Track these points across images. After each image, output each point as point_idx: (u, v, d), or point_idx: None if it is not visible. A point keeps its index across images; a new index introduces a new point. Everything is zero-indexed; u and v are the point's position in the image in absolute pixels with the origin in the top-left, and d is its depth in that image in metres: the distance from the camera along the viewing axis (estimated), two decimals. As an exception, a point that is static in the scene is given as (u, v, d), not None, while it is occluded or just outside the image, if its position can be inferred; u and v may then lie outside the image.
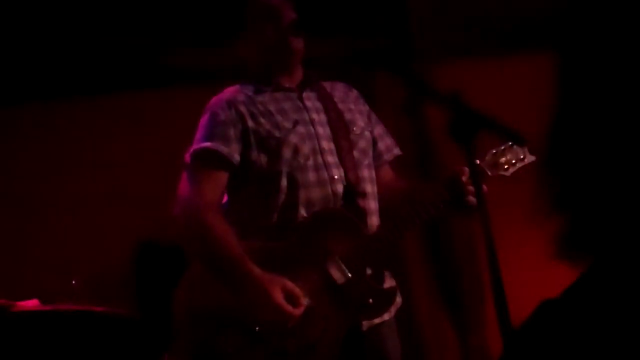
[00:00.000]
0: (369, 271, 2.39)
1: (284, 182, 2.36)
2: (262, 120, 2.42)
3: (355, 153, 2.49)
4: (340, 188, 2.41)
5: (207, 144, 2.38)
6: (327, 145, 2.45)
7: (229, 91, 2.51)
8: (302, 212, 2.35)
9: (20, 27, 4.03)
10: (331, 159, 2.44)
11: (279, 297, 2.21)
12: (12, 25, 4.01)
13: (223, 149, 2.37)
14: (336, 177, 2.41)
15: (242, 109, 2.43)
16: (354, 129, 2.53)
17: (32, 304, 2.93)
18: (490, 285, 1.77)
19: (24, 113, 4.15)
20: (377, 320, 2.43)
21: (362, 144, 2.53)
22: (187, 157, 2.41)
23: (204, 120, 2.44)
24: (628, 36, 0.83)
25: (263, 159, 2.38)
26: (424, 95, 4.14)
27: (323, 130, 2.47)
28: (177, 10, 3.97)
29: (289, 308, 2.21)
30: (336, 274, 2.33)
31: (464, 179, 2.36)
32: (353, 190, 2.42)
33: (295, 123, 2.44)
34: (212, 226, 2.30)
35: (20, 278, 3.76)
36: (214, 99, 2.49)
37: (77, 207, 4.07)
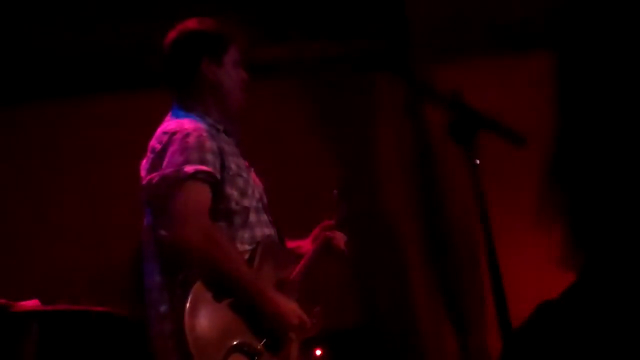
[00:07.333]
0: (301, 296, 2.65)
1: (252, 217, 2.52)
2: (230, 158, 2.50)
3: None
4: (275, 230, 2.65)
5: (205, 167, 2.39)
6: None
7: (198, 122, 2.52)
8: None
9: (22, 25, 4.03)
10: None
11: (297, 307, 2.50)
12: (13, 24, 4.01)
13: (217, 175, 2.43)
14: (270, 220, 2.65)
15: (219, 144, 2.49)
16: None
17: (32, 304, 2.93)
18: (490, 286, 1.78)
19: (24, 113, 4.15)
20: (307, 336, 2.67)
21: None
22: (182, 174, 2.36)
23: (191, 140, 2.41)
24: (627, 36, 0.83)
25: (235, 194, 2.48)
26: (424, 96, 4.15)
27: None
28: (177, 8, 3.97)
29: (304, 315, 2.51)
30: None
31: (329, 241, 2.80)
32: (279, 233, 2.68)
33: (248, 169, 2.60)
34: (226, 245, 2.40)
35: (20, 278, 3.77)
36: (188, 123, 2.49)
37: (78, 207, 4.07)
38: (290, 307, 2.46)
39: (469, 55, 4.21)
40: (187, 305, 2.27)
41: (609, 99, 0.83)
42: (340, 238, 2.83)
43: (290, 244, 2.80)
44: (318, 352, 3.58)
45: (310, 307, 2.65)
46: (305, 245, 2.82)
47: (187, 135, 2.42)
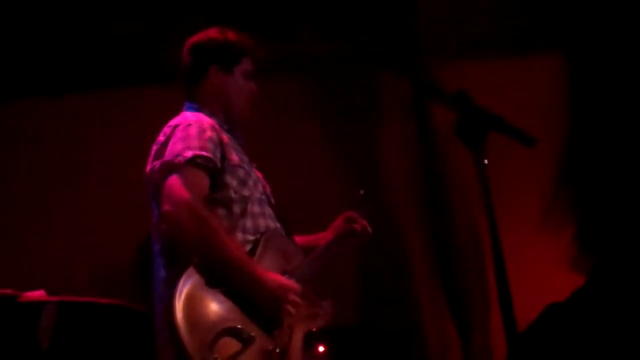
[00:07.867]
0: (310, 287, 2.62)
1: (253, 207, 2.55)
2: (231, 151, 2.57)
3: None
4: (280, 224, 2.67)
5: (204, 153, 2.45)
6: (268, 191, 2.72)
7: (202, 115, 2.61)
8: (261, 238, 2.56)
9: (23, 23, 4.04)
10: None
11: (286, 280, 2.48)
12: (15, 22, 4.02)
13: (217, 163, 2.48)
14: (275, 215, 2.68)
15: (221, 136, 2.56)
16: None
17: (38, 294, 2.95)
18: (495, 286, 1.78)
19: (30, 108, 4.17)
20: (314, 328, 2.65)
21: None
22: (181, 158, 2.42)
23: (192, 130, 2.49)
24: (635, 37, 0.83)
25: (234, 183, 2.52)
26: (431, 95, 4.15)
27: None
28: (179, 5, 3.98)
29: (295, 284, 2.48)
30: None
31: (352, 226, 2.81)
32: (287, 229, 2.70)
33: (251, 165, 2.65)
34: (218, 227, 2.40)
35: (27, 270, 3.79)
36: (191, 116, 2.58)
37: (84, 200, 4.09)
38: (281, 282, 2.43)
39: (477, 55, 4.21)
40: (177, 288, 2.29)
41: (620, 100, 0.83)
42: (367, 224, 2.84)
43: (309, 237, 2.81)
44: (321, 349, 3.59)
45: (321, 299, 2.64)
46: (326, 235, 2.82)
47: (189, 125, 2.51)
